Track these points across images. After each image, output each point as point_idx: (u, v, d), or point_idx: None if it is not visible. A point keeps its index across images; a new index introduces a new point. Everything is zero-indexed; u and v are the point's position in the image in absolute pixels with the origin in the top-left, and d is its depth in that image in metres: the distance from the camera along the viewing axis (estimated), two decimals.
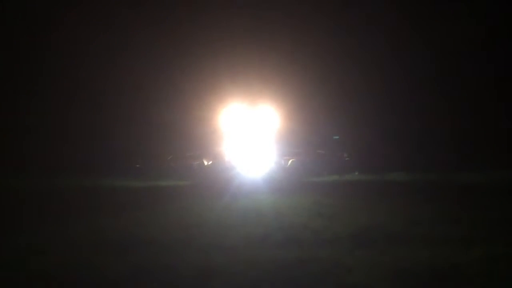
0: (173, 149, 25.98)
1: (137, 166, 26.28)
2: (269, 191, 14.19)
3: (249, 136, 19.39)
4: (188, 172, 22.42)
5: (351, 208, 10.68)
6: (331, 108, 23.51)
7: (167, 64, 26.84)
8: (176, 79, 25.68)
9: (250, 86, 21.19)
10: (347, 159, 21.86)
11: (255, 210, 10.77)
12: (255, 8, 23.24)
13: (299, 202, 11.85)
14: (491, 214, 9.60)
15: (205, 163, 23.11)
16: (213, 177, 17.72)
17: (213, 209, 10.96)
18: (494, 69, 22.98)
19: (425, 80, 24.26)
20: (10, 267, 5.88)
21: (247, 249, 7.01)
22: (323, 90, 23.34)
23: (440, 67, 23.88)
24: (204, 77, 24.23)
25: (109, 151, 27.30)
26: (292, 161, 21.04)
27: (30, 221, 9.31)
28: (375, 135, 22.89)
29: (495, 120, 22.51)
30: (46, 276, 5.48)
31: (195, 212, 10.45)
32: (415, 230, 8.39)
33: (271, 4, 23.39)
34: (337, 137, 21.07)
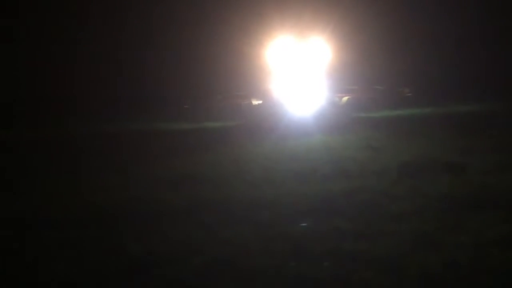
0: (221, 88, 25.90)
1: (186, 107, 26.61)
2: (319, 129, 14.19)
3: (299, 72, 18.24)
4: (237, 112, 22.41)
5: (402, 140, 10.67)
6: (390, 38, 21.91)
7: None
8: (221, 13, 24.95)
9: (299, 16, 19.63)
10: (408, 94, 20.92)
11: (304, 145, 11.00)
12: None
13: (349, 137, 11.94)
14: None
15: (254, 102, 22.98)
16: (263, 116, 17.55)
17: (263, 147, 11.28)
18: None
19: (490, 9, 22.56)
20: (76, 203, 6.53)
21: (296, 183, 7.30)
22: (380, 17, 21.65)
23: None
24: (250, 8, 23.13)
25: (157, 92, 27.77)
26: (347, 98, 20.19)
27: (91, 163, 10.03)
28: (437, 67, 21.78)
29: None
30: (113, 209, 6.07)
31: (246, 151, 10.83)
32: (465, 160, 8.35)
33: None
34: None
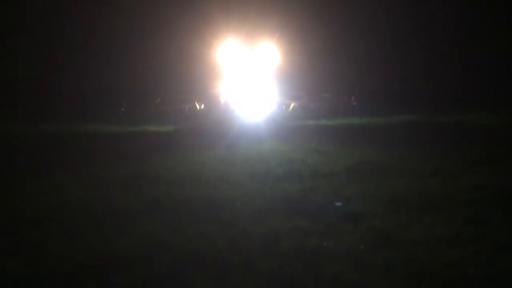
0: (162, 91, 25.09)
1: (122, 110, 25.50)
2: (267, 134, 14.31)
3: (247, 76, 18.10)
4: (179, 116, 21.85)
5: (348, 147, 11.10)
6: (339, 45, 22.33)
7: None
8: (164, 11, 24.17)
9: (248, 18, 19.28)
10: (354, 103, 21.57)
11: (252, 150, 11.13)
12: None
13: (299, 141, 12.21)
14: (477, 150, 10.17)
15: (198, 107, 22.58)
16: (207, 121, 17.26)
17: (208, 151, 11.24)
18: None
19: (435, 21, 23.94)
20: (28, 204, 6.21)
21: (251, 183, 7.38)
22: (330, 23, 21.93)
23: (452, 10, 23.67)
24: (196, 9, 22.50)
25: (92, 94, 26.53)
26: (294, 105, 20.42)
27: (33, 164, 9.52)
28: (384, 76, 22.69)
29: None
30: (69, 210, 5.83)
31: (191, 154, 10.75)
32: (406, 165, 8.88)
33: None
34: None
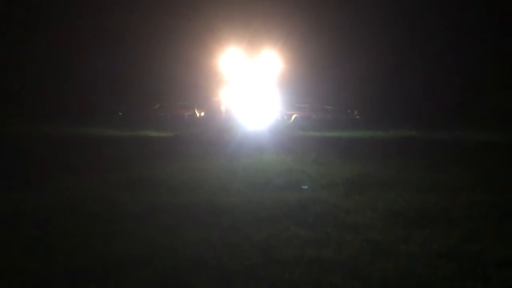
0: (161, 97, 25.01)
1: (119, 114, 25.36)
2: (269, 144, 14.36)
3: (249, 85, 18.06)
4: (178, 123, 21.79)
5: (348, 159, 11.19)
6: (343, 57, 22.27)
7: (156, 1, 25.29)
8: (167, 18, 24.26)
9: (251, 26, 19.28)
10: (357, 117, 21.56)
11: (256, 159, 11.20)
12: None
13: (300, 152, 12.28)
14: (475, 167, 10.26)
15: (198, 114, 22.54)
16: (207, 129, 17.16)
17: (205, 158, 11.29)
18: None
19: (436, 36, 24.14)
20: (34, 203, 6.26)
21: (252, 192, 7.45)
22: (334, 35, 21.92)
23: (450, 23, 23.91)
24: (199, 17, 22.56)
25: (89, 97, 26.44)
26: (296, 116, 20.38)
27: (34, 165, 9.56)
28: (388, 91, 22.80)
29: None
30: (72, 211, 5.88)
31: (188, 161, 10.79)
32: (404, 178, 8.96)
33: None
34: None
